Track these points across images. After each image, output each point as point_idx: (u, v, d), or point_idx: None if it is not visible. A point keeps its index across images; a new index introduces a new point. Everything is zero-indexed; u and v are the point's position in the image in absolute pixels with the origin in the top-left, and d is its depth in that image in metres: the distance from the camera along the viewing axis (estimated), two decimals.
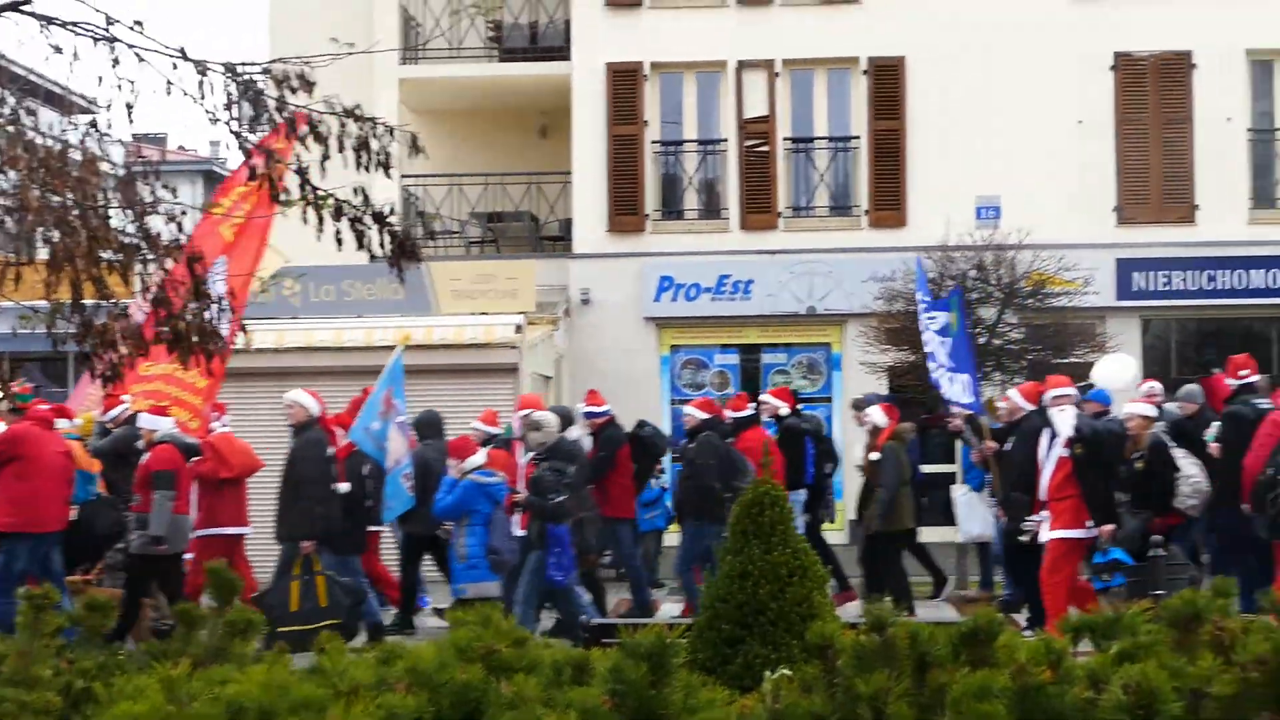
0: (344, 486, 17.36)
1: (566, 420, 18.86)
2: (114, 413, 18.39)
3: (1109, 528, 15.91)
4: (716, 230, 30.84)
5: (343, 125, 9.84)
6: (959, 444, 24.38)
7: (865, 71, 30.57)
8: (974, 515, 20.47)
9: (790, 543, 7.98)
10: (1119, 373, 21.06)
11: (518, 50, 32.61)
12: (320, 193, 9.90)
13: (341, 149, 9.87)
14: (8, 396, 15.33)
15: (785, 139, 30.90)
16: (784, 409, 21.09)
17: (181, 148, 75.88)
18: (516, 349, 24.86)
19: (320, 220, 9.98)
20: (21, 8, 9.95)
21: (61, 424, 17.55)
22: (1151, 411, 17.78)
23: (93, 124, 10.04)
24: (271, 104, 9.90)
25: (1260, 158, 30.77)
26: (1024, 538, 17.02)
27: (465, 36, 32.36)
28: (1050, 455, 16.14)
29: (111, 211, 10.07)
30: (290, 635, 13.25)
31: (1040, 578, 16.20)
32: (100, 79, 9.61)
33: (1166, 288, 29.87)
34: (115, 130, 10.34)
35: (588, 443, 19.65)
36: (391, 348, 23.97)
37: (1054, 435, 16.19)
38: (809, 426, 21.53)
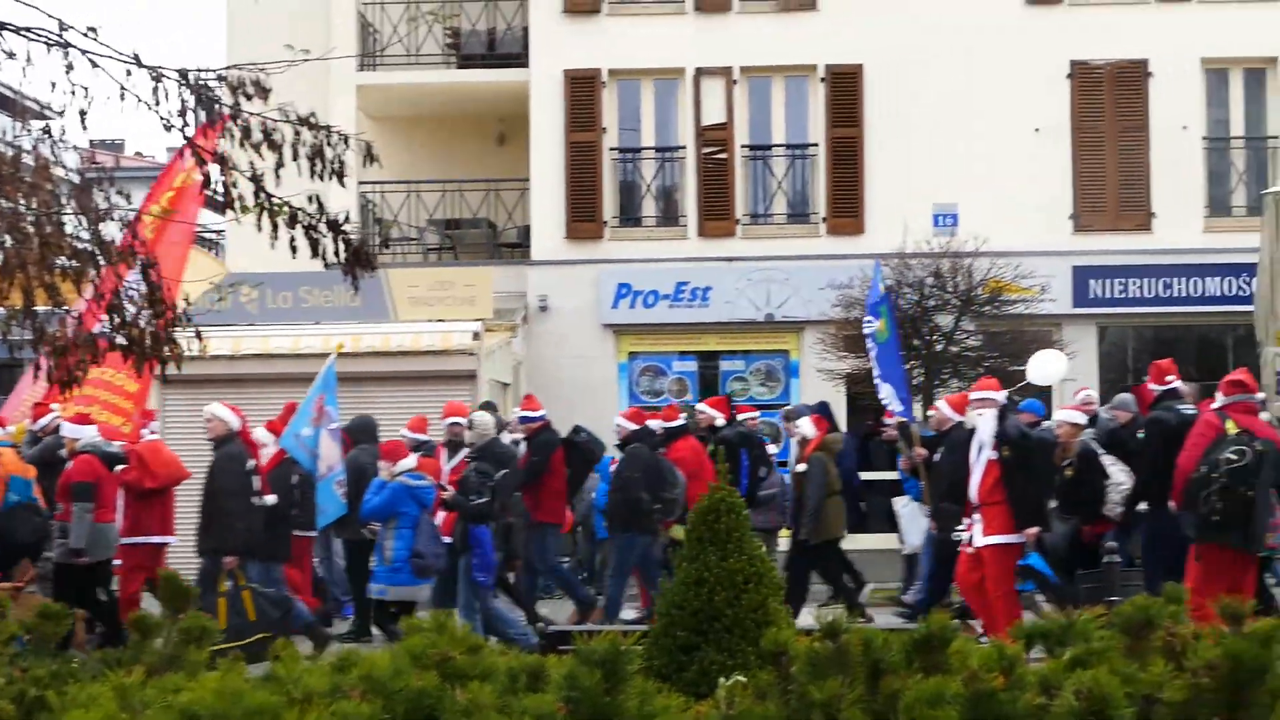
0: (270, 499, 17.29)
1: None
2: (43, 421, 18.32)
3: (1034, 530, 15.97)
4: (674, 237, 30.85)
5: (297, 133, 9.82)
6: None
7: (823, 79, 30.62)
8: (916, 526, 20.54)
9: (746, 550, 8.00)
10: (1050, 368, 21.21)
11: (476, 57, 32.59)
12: (275, 200, 9.88)
13: (296, 157, 9.84)
14: None
15: (743, 146, 30.94)
16: (720, 419, 21.15)
17: (139, 154, 75.55)
18: (474, 356, 24.85)
19: (275, 228, 9.96)
20: None
21: None
22: (1081, 419, 17.91)
23: (46, 130, 10.01)
24: (226, 111, 9.87)
25: (1216, 166, 30.93)
26: (956, 539, 17.13)
27: (423, 43, 32.31)
28: (979, 459, 16.19)
29: (65, 218, 10.03)
30: (222, 653, 13.15)
31: (988, 590, 16.25)
32: (54, 85, 9.58)
33: (1123, 295, 29.98)
34: (70, 136, 10.32)
35: (522, 447, 19.70)
36: (350, 354, 24.03)
37: (982, 440, 16.28)
38: (743, 433, 21.62)
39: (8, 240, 9.74)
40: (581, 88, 30.78)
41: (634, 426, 18.92)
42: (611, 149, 31.03)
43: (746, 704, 6.08)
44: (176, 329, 10.09)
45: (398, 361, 24.59)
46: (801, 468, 19.56)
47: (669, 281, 30.23)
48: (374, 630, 18.52)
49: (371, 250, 10.56)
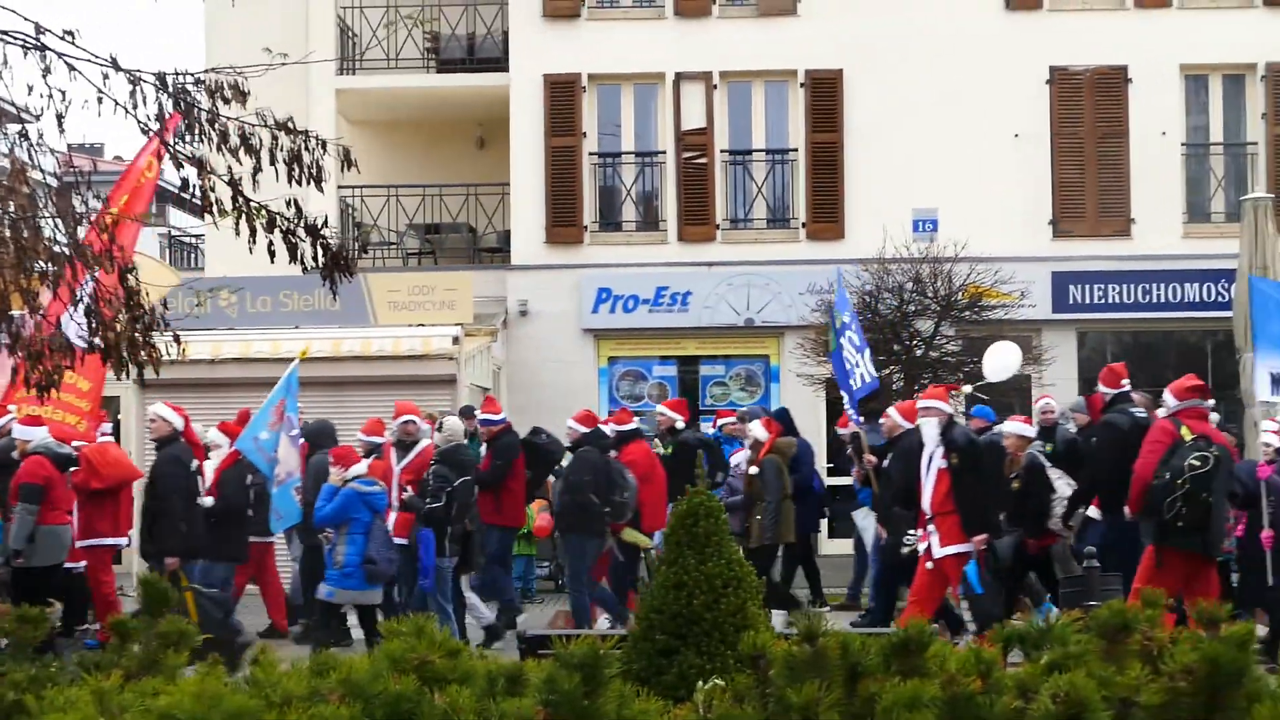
0: (207, 501, 17.24)
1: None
2: None
3: (981, 538, 16.01)
4: (654, 242, 30.87)
5: (275, 138, 9.80)
6: None
7: (803, 84, 30.66)
8: (871, 532, 20.54)
9: (725, 554, 8.00)
10: (1005, 361, 21.23)
11: (455, 61, 32.57)
12: (253, 204, 9.86)
13: (274, 161, 9.83)
14: None
15: (723, 151, 30.96)
16: (679, 422, 21.17)
17: (118, 158, 75.42)
18: (454, 360, 24.83)
19: (253, 232, 9.95)
20: None
21: None
22: (1029, 431, 17.96)
23: (22, 133, 9.98)
24: (204, 115, 9.86)
25: (1194, 172, 31.02)
26: (905, 550, 17.17)
27: (402, 47, 32.29)
28: (930, 470, 16.23)
29: (42, 222, 10.00)
30: None
31: (956, 598, 16.33)
32: (30, 89, 9.56)
33: (1102, 300, 30.04)
34: (48, 140, 10.28)
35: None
36: (330, 359, 24.00)
37: (931, 449, 16.34)
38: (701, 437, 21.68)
39: None
40: (561, 92, 30.79)
41: (584, 429, 18.91)
42: (591, 154, 31.04)
43: (724, 707, 6.09)
44: (154, 333, 10.07)
45: (377, 366, 24.56)
46: (754, 470, 19.63)
47: (649, 286, 30.24)
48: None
49: (350, 255, 10.53)
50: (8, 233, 9.64)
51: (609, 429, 19.38)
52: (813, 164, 30.57)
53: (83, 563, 17.54)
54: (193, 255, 50.82)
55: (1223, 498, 14.95)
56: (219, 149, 9.88)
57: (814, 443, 25.21)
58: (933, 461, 16.14)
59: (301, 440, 19.14)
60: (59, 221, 10.05)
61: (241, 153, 9.78)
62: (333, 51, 30.76)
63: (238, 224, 9.96)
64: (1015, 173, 29.89)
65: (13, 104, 9.83)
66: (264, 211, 9.90)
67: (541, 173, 30.72)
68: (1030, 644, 6.55)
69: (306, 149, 9.93)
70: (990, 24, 30.23)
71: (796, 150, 30.78)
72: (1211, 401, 16.48)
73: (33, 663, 7.58)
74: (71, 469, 17.10)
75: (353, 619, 17.66)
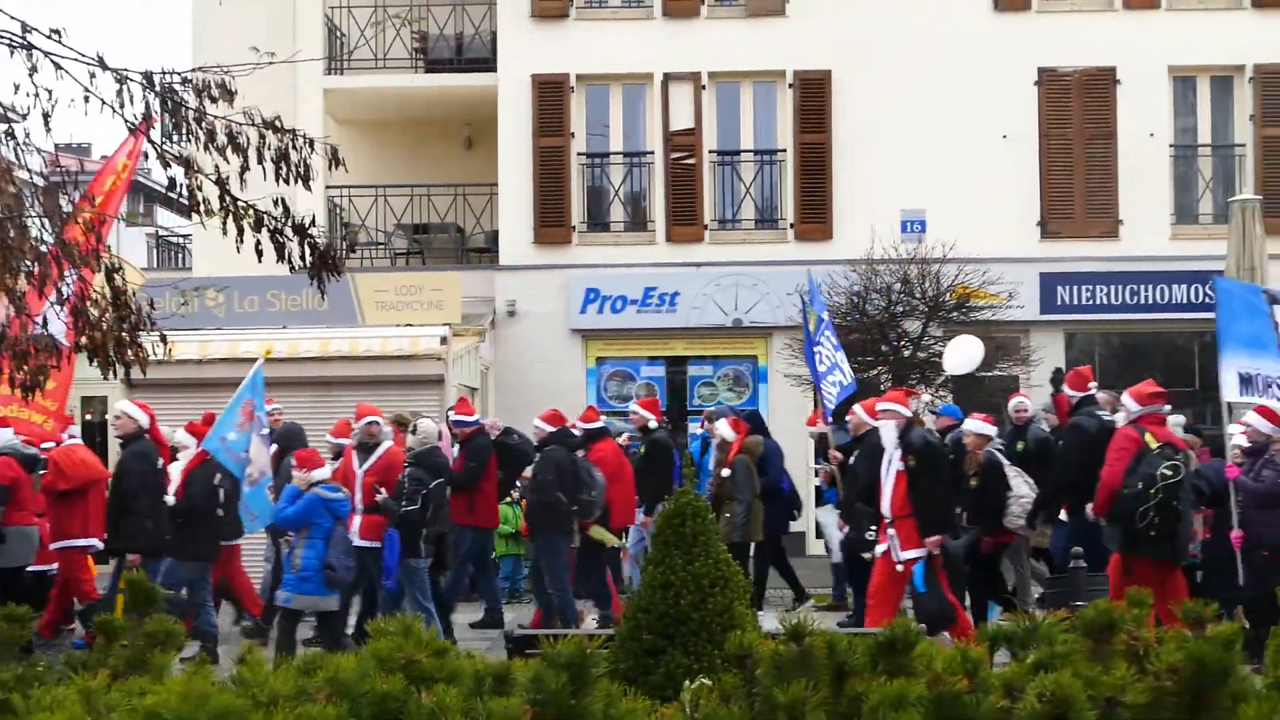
0: (169, 498, 17.24)
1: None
2: None
3: (935, 539, 16.06)
4: (642, 242, 30.87)
5: (262, 137, 9.78)
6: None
7: (791, 85, 30.67)
8: (840, 535, 20.53)
9: (712, 553, 8.01)
10: (965, 356, 21.27)
11: (443, 61, 32.56)
12: (241, 204, 9.85)
13: (261, 160, 9.81)
14: None
15: (711, 152, 30.97)
16: (652, 421, 21.17)
17: (105, 158, 75.30)
18: (442, 360, 24.82)
19: (240, 231, 9.93)
20: None
21: None
22: (989, 430, 18.00)
23: (9, 132, 9.95)
24: (191, 114, 9.84)
25: (1183, 173, 31.07)
26: (866, 555, 17.24)
27: (390, 47, 32.28)
28: (889, 472, 16.27)
29: (29, 221, 9.98)
30: None
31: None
32: (16, 87, 9.54)
33: (1090, 302, 30.07)
34: (34, 139, 10.27)
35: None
36: (317, 359, 23.98)
37: (889, 452, 16.39)
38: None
39: None
40: (549, 92, 30.79)
41: (551, 429, 18.91)
42: (579, 154, 31.04)
43: (711, 707, 6.09)
44: (141, 333, 10.05)
45: (365, 366, 24.55)
46: (725, 472, 19.65)
47: (637, 287, 30.25)
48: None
49: (338, 254, 10.51)
50: None
51: (577, 428, 19.43)
52: (801, 165, 30.59)
53: (54, 565, 17.55)
54: (180, 255, 50.79)
55: (1188, 505, 15.12)
56: (206, 148, 9.86)
57: (803, 443, 25.27)
58: (891, 464, 16.22)
59: (273, 445, 19.10)
60: (45, 221, 10.03)
61: (229, 151, 9.76)
62: (320, 51, 30.75)
63: (225, 223, 9.94)
64: (1003, 174, 29.92)
65: None
66: (251, 211, 9.88)
67: (529, 173, 30.71)
68: (1017, 643, 6.56)
69: (294, 148, 9.91)
70: (979, 25, 30.25)
71: (785, 151, 30.79)
72: (1169, 407, 16.55)
73: (19, 662, 7.57)
74: (40, 471, 17.09)
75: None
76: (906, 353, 25.82)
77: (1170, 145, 30.67)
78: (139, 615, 7.53)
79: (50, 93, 9.62)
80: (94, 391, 27.45)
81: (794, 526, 22.88)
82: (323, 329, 25.31)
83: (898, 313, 26.15)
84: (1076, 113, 30.47)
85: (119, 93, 9.67)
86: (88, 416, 28.71)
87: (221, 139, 9.76)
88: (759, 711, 6.08)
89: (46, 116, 9.65)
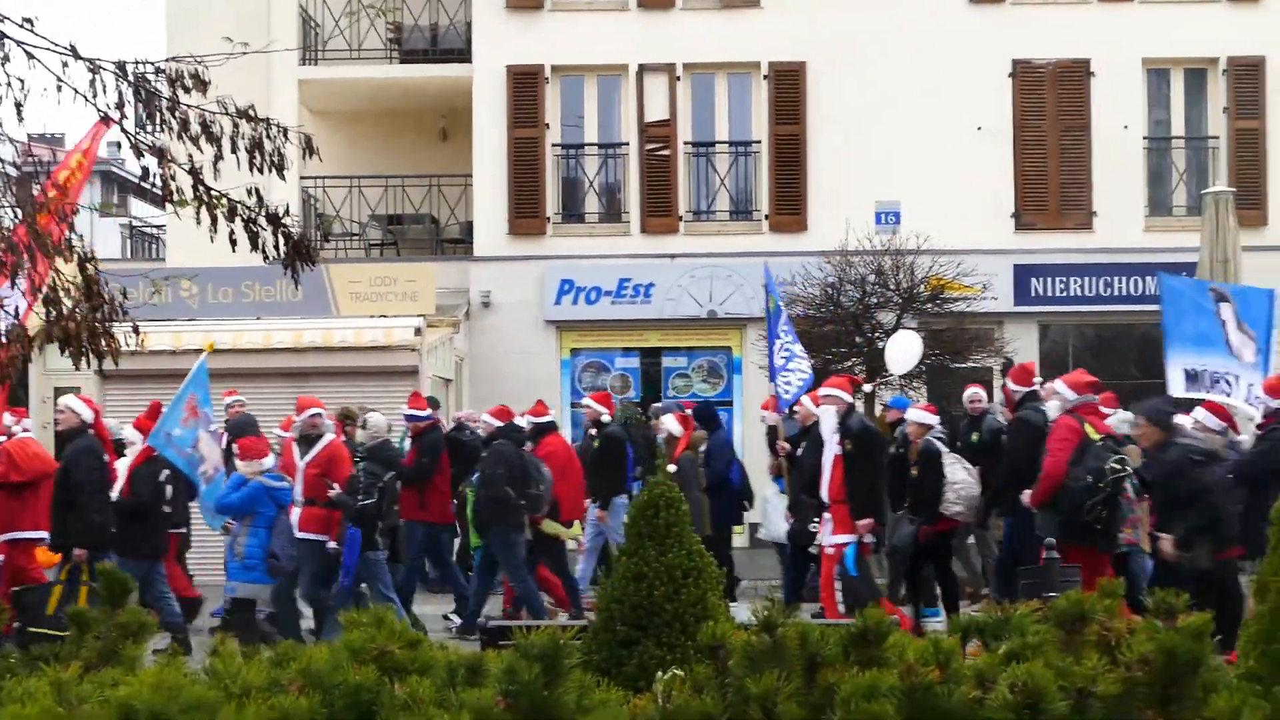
0: (115, 495, 17.21)
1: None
2: None
3: (866, 522, 16.17)
4: (617, 234, 30.85)
5: (236, 126, 9.75)
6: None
7: (766, 76, 30.68)
8: (779, 516, 20.52)
9: (685, 545, 8.00)
10: (906, 352, 21.32)
11: (418, 52, 32.52)
12: (214, 193, 9.81)
13: (235, 150, 9.78)
14: None
15: (686, 143, 30.96)
16: (605, 415, 21.14)
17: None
18: (416, 351, 24.82)
19: (214, 221, 9.89)
20: None
21: None
22: (930, 420, 18.06)
23: None
24: (164, 103, 9.80)
25: (1156, 166, 31.14)
26: (811, 548, 17.33)
27: (365, 38, 32.20)
28: (827, 457, 16.40)
29: (1, 211, 9.95)
30: (39, 637, 12.92)
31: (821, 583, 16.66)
32: None
33: (1064, 294, 30.14)
34: (7, 129, 10.23)
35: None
36: (291, 350, 23.95)
37: (827, 437, 16.53)
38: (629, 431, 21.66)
39: None
40: (524, 83, 30.76)
41: (499, 423, 18.91)
42: (554, 145, 31.02)
43: (684, 698, 6.10)
44: (113, 323, 10.01)
45: (340, 357, 24.54)
46: (672, 468, 19.66)
47: (611, 278, 30.24)
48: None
49: (312, 243, 10.48)
50: None
51: (524, 422, 19.42)
52: (776, 156, 30.60)
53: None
54: (154, 246, 50.68)
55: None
56: (179, 137, 9.82)
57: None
58: (830, 449, 16.39)
59: (224, 434, 19.04)
60: (18, 211, 9.99)
61: (202, 140, 9.72)
62: (295, 41, 30.66)
63: (198, 213, 9.90)
64: (978, 165, 29.95)
65: None
66: (225, 200, 9.85)
67: (504, 164, 30.68)
68: (989, 634, 6.58)
69: (268, 137, 9.87)
70: (953, 17, 30.26)
71: (759, 142, 30.79)
72: (1098, 397, 16.65)
73: None
74: None
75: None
76: (881, 344, 25.81)
77: (1144, 137, 30.75)
78: (111, 607, 7.52)
79: (23, 82, 9.59)
80: (68, 382, 27.35)
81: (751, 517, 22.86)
82: (296, 320, 25.29)
83: (872, 304, 26.15)
84: (1051, 105, 30.53)
85: (92, 82, 9.63)
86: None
87: (195, 128, 9.72)
88: (731, 702, 6.09)
89: (19, 106, 9.61)
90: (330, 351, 24.48)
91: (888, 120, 29.85)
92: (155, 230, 50.66)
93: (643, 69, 30.74)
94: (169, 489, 17.61)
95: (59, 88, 9.62)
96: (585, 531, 20.64)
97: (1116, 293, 30.01)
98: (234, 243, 10.11)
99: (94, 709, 5.96)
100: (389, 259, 31.36)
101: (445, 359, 27.67)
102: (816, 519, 17.14)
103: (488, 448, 18.89)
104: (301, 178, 29.59)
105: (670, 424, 20.43)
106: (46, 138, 55.02)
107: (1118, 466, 14.98)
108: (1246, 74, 30.54)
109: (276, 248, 10.15)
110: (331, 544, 17.00)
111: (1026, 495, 16.12)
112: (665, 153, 30.84)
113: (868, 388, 20.46)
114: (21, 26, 9.58)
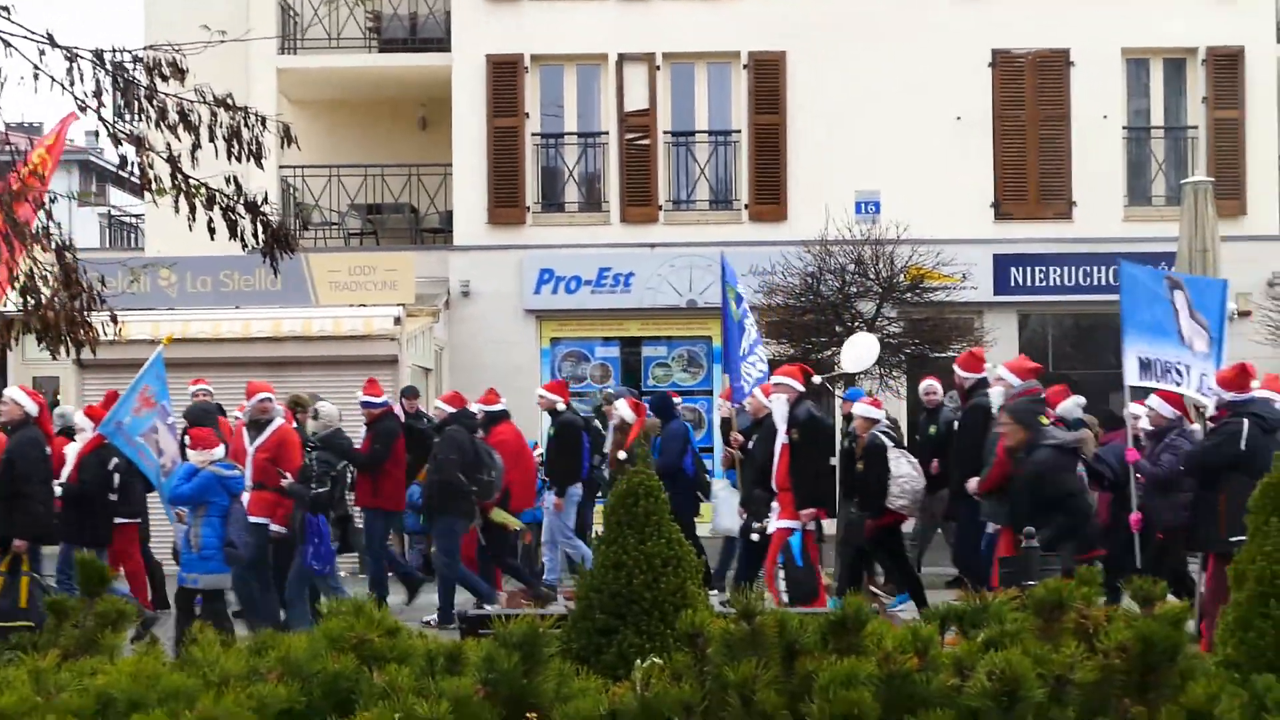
0: (61, 481, 17.10)
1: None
2: None
3: (809, 511, 16.24)
4: (597, 223, 30.83)
5: (214, 114, 9.73)
6: None
7: (746, 66, 30.67)
8: (728, 509, 20.50)
9: (664, 533, 8.00)
10: (862, 352, 21.34)
11: (397, 41, 32.48)
12: (192, 181, 9.79)
13: (213, 138, 9.76)
14: None
15: (666, 132, 30.94)
16: (560, 404, 21.12)
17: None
18: (396, 341, 24.81)
19: (193, 209, 9.87)
20: None
21: None
22: (876, 414, 18.08)
23: None
24: (142, 92, 9.78)
25: (1135, 155, 31.18)
26: (754, 536, 17.37)
27: (344, 27, 32.15)
28: (777, 446, 16.50)
29: None
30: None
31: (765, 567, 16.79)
32: None
33: (1044, 283, 30.16)
34: None
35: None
36: (270, 339, 23.90)
37: (777, 426, 16.63)
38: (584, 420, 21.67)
39: None
40: (504, 73, 30.72)
41: (452, 409, 18.92)
42: (534, 134, 30.99)
43: (662, 686, 6.10)
44: (92, 312, 9.99)
45: (319, 346, 24.52)
46: (622, 455, 19.65)
47: (591, 267, 30.22)
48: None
49: (291, 232, 10.45)
50: None
51: (476, 409, 19.44)
52: (755, 146, 30.60)
53: None
54: (133, 235, 50.54)
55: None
56: (157, 125, 9.79)
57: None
58: (779, 438, 16.50)
59: (182, 424, 18.98)
60: None
61: (180, 129, 9.70)
62: (274, 30, 30.62)
63: (177, 201, 9.87)
64: (957, 155, 29.98)
65: None
66: (203, 188, 9.83)
67: (483, 153, 30.65)
68: (967, 622, 6.59)
69: (246, 125, 9.86)
70: (933, 6, 30.27)
71: (739, 132, 30.79)
72: (1038, 383, 16.71)
73: None
74: None
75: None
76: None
77: (1123, 127, 30.78)
78: (89, 596, 7.51)
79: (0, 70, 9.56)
80: (46, 371, 27.30)
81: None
82: (276, 309, 25.25)
83: (852, 294, 26.18)
84: (1030, 94, 30.55)
85: (69, 70, 9.60)
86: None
87: (173, 117, 9.70)
88: (710, 690, 6.09)
89: None
90: (309, 341, 24.45)
91: (867, 110, 29.87)
92: (134, 219, 50.51)
93: (622, 58, 30.72)
94: (116, 477, 17.55)
95: (36, 76, 9.59)
96: (544, 520, 20.72)
97: (1096, 282, 30.01)
98: (212, 231, 10.10)
99: (72, 698, 5.95)
100: (368, 248, 31.31)
101: (425, 348, 27.65)
102: (769, 514, 17.22)
103: (440, 433, 18.89)
104: (280, 167, 29.55)
105: (623, 410, 20.42)
106: (24, 126, 54.85)
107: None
108: (1225, 64, 30.60)
109: (255, 236, 10.13)
110: (275, 527, 17.03)
111: (973, 483, 16.15)
112: (645, 142, 30.82)
113: (817, 379, 20.47)
114: None
